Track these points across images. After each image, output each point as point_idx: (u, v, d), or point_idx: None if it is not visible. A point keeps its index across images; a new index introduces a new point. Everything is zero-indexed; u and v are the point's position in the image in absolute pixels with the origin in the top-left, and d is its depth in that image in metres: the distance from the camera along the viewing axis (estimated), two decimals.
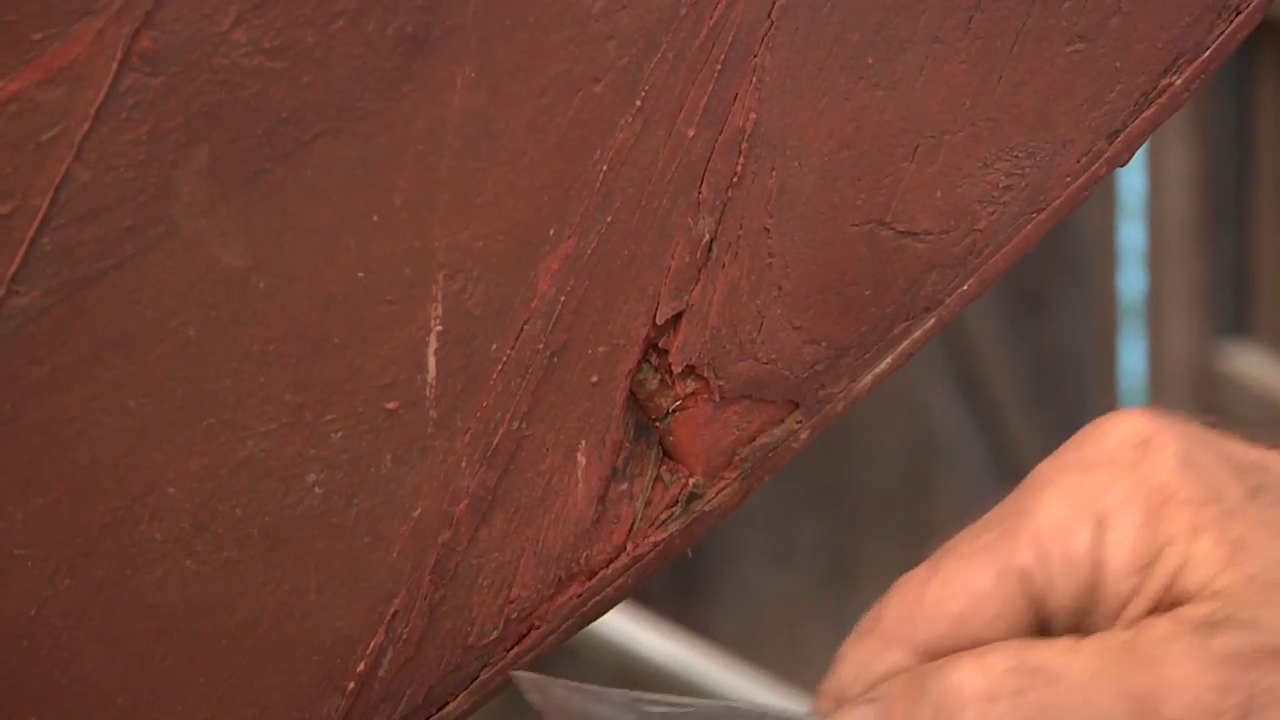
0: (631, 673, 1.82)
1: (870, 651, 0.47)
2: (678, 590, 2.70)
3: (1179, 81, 0.52)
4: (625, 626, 1.75)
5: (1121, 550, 0.44)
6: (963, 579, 0.46)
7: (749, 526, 2.88)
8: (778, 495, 2.88)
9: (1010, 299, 2.93)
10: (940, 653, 0.46)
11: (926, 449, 3.24)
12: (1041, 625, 0.46)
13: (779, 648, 2.92)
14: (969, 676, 0.43)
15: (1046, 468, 0.46)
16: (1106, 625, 0.44)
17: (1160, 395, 2.88)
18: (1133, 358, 2.98)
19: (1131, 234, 2.90)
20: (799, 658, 2.97)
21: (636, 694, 0.48)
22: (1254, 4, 0.52)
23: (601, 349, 0.49)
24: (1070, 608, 0.45)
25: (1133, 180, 2.82)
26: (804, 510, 3.07)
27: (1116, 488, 0.44)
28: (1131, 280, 2.94)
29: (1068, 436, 0.49)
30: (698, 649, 1.83)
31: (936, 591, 0.46)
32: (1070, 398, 3.16)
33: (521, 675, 0.49)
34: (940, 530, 0.51)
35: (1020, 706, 0.43)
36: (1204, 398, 2.80)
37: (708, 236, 0.49)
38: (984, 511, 0.49)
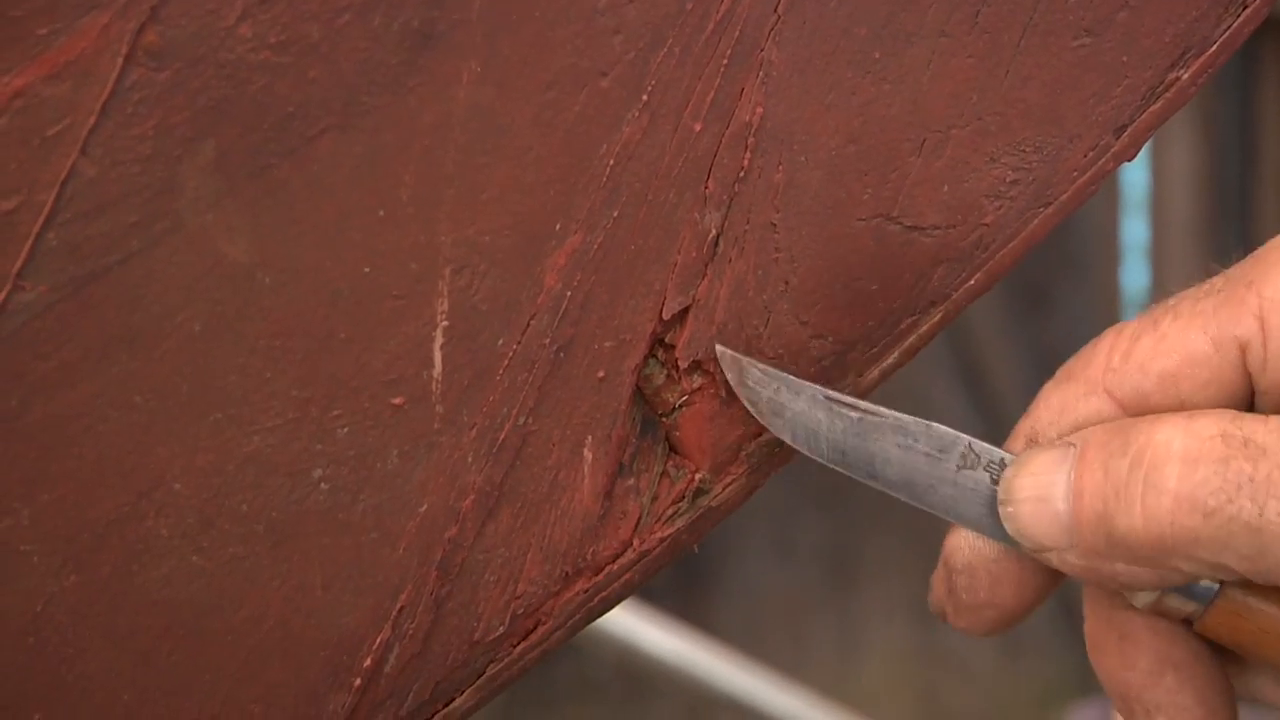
0: (634, 668, 1.82)
1: (1071, 395, 0.47)
2: (680, 586, 2.70)
3: (1186, 76, 0.52)
4: (627, 622, 1.75)
5: None
6: (1179, 338, 0.45)
7: (751, 523, 2.88)
8: (780, 492, 2.89)
9: (1013, 293, 2.92)
10: (1143, 409, 0.45)
11: None
12: (1248, 403, 0.45)
13: (781, 644, 2.92)
14: (1175, 435, 0.43)
15: (1277, 243, 0.45)
16: None
17: None
18: None
19: (1135, 229, 2.90)
20: (801, 654, 2.97)
21: (830, 393, 0.49)
22: None
23: (608, 344, 0.49)
24: None
25: (1136, 175, 2.82)
26: (806, 507, 3.06)
27: None
28: (1134, 275, 2.94)
29: None
30: (700, 645, 1.82)
31: (1150, 347, 0.45)
32: None
33: (722, 350, 0.49)
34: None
35: (1224, 474, 0.42)
36: None
37: (714, 231, 0.49)
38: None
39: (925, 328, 0.52)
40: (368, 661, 0.49)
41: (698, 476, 0.52)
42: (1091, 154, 0.51)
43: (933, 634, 3.19)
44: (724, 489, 0.52)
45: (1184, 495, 0.42)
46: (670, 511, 0.52)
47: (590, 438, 0.50)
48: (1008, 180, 0.51)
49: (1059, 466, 0.45)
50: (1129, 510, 0.43)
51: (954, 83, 0.50)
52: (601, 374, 0.49)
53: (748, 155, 0.49)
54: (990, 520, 0.47)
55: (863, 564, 3.10)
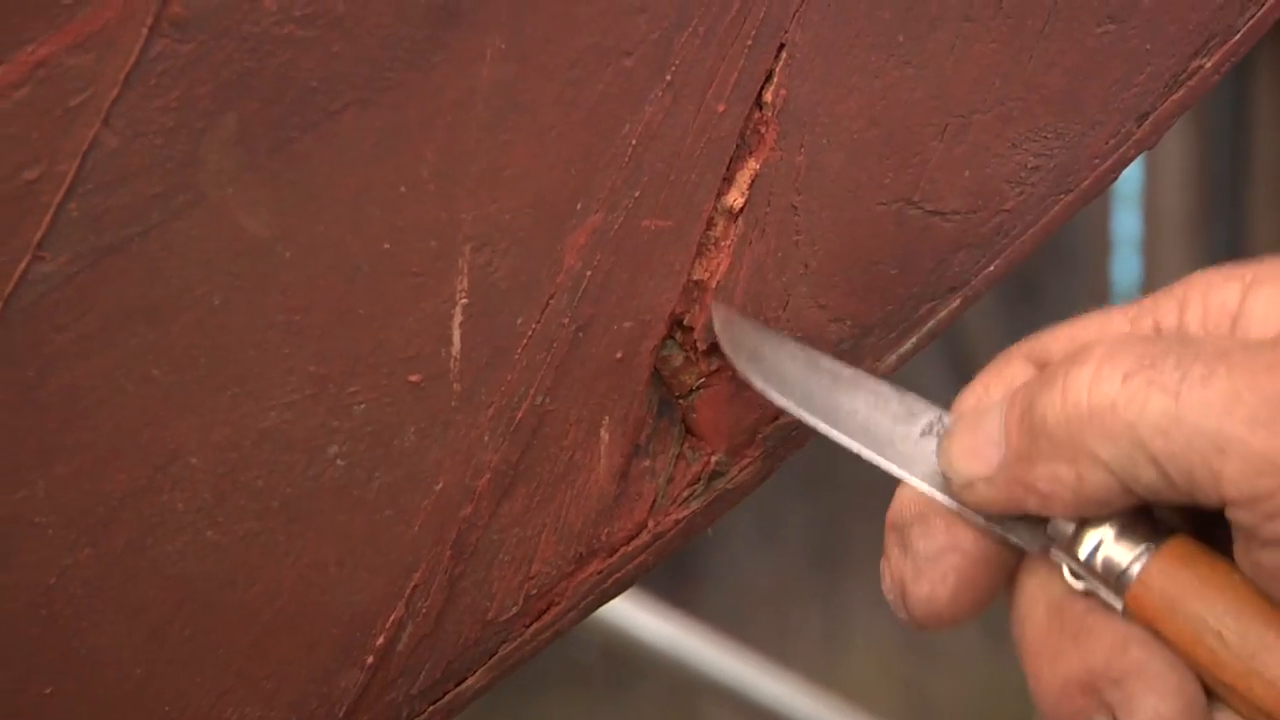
0: (619, 652, 1.82)
1: (990, 373, 0.47)
2: (667, 571, 2.70)
3: (1209, 64, 0.52)
4: (615, 606, 1.75)
5: (1270, 301, 0.43)
6: (1096, 321, 0.46)
7: (738, 509, 2.88)
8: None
9: (1004, 284, 2.93)
10: None
11: None
12: None
13: (768, 629, 2.93)
14: (1098, 348, 0.42)
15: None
16: None
17: None
18: None
19: (1126, 222, 2.90)
20: (787, 639, 2.97)
21: (814, 353, 0.49)
22: None
23: (627, 325, 0.49)
24: None
25: (1129, 169, 2.82)
26: (793, 494, 3.07)
27: (1271, 268, 0.44)
28: (1126, 268, 2.94)
29: None
30: (687, 629, 1.82)
31: (1066, 329, 0.46)
32: None
33: (716, 305, 0.49)
34: None
35: (1149, 349, 0.41)
36: None
37: (735, 213, 0.49)
38: None
39: (944, 313, 0.52)
40: (380, 639, 0.48)
41: (714, 459, 0.51)
42: (1113, 141, 0.51)
43: None
44: (739, 472, 0.52)
45: (1105, 361, 0.42)
46: (686, 494, 0.52)
47: (607, 418, 0.50)
48: (1029, 166, 0.51)
49: (996, 405, 0.45)
50: (1050, 388, 0.42)
51: (977, 67, 0.50)
52: (620, 354, 0.49)
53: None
54: (942, 480, 0.46)
55: (849, 551, 3.11)
